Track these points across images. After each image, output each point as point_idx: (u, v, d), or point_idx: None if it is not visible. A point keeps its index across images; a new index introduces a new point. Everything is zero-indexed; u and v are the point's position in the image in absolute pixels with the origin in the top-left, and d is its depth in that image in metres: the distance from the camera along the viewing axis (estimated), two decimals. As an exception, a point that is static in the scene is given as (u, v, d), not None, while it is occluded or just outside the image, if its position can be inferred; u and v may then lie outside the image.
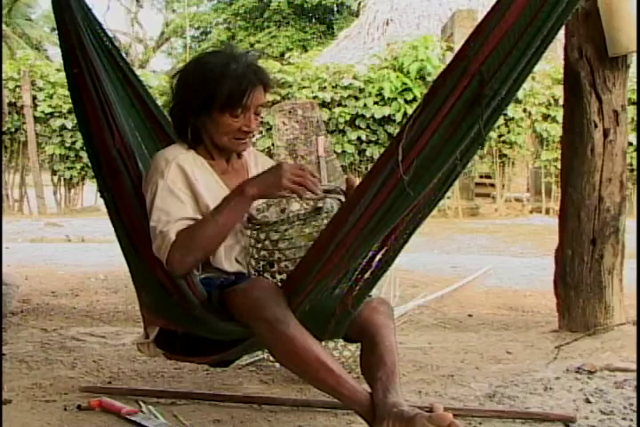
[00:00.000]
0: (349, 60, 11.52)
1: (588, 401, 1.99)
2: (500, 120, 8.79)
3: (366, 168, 9.03)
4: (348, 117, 9.37)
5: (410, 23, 14.35)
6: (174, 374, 2.30)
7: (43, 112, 9.59)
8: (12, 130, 9.66)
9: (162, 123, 2.05)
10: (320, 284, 1.60)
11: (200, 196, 1.76)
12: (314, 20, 23.92)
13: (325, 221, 1.68)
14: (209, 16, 25.86)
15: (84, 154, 9.06)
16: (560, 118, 7.52)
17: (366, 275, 1.65)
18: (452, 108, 1.42)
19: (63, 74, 2.04)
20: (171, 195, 1.72)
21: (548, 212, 9.61)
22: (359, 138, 9.41)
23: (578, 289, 2.80)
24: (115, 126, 1.84)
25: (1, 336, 2.65)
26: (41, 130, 9.72)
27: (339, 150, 9.28)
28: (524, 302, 3.77)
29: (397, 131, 1.49)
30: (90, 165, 2.01)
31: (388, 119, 9.33)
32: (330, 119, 9.29)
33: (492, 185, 10.16)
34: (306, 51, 15.39)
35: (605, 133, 2.75)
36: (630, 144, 7.55)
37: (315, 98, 9.20)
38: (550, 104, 9.52)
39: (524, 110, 9.47)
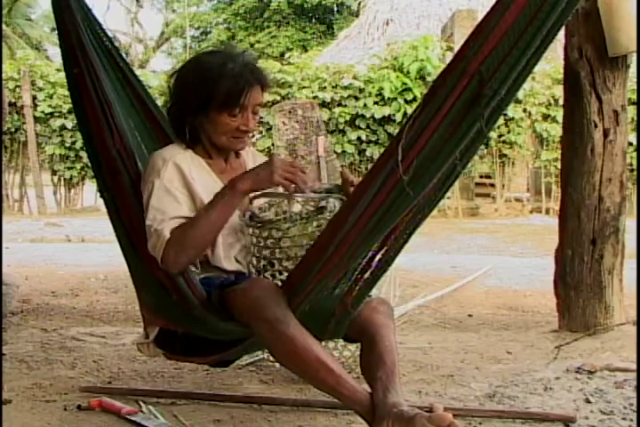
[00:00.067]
0: (349, 60, 11.52)
1: (588, 401, 1.99)
2: (500, 120, 8.79)
3: (366, 168, 9.03)
4: (347, 117, 9.36)
5: (410, 23, 14.35)
6: (174, 374, 2.30)
7: (43, 112, 9.59)
8: (12, 130, 9.65)
9: (161, 123, 2.05)
10: (320, 284, 1.60)
11: (197, 195, 1.76)
12: (314, 20, 23.92)
13: (327, 221, 1.68)
14: (209, 16, 25.86)
15: (83, 154, 9.05)
16: (560, 118, 7.52)
17: (366, 275, 1.65)
18: (451, 108, 1.42)
19: (63, 74, 2.05)
20: (167, 194, 1.72)
21: (548, 212, 9.61)
22: (359, 138, 9.41)
23: (578, 289, 2.81)
24: (114, 126, 1.84)
25: (1, 336, 2.65)
26: (41, 130, 9.72)
27: (339, 150, 9.28)
28: (523, 302, 3.77)
29: (397, 131, 1.49)
30: (90, 164, 2.01)
31: (388, 119, 9.33)
32: (330, 119, 9.29)
33: (492, 185, 10.16)
34: (306, 51, 15.39)
35: (605, 133, 2.75)
36: (630, 144, 7.55)
37: (315, 98, 9.19)
38: (550, 104, 9.52)
39: (524, 110, 9.47)
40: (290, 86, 9.43)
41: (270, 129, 8.96)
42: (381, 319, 1.77)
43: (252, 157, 1.98)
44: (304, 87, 9.46)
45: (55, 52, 22.52)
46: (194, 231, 1.67)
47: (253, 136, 9.22)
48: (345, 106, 9.41)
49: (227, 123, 1.77)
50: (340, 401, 1.62)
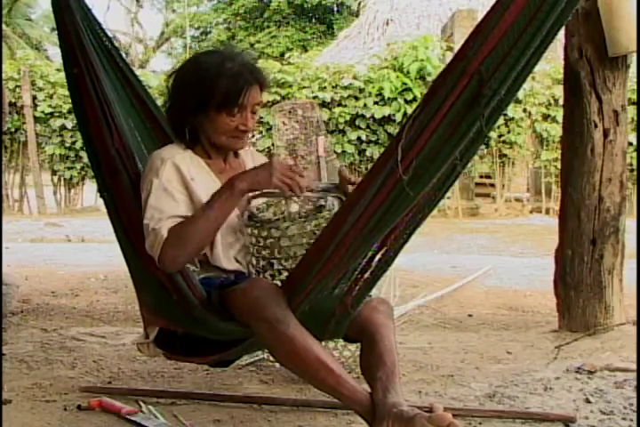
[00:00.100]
0: (349, 60, 11.51)
1: (588, 401, 1.99)
2: (500, 120, 8.79)
3: (366, 168, 9.02)
4: (347, 117, 9.36)
5: (410, 23, 14.35)
6: (174, 374, 2.30)
7: (43, 112, 9.59)
8: (12, 130, 9.65)
9: (161, 123, 2.05)
10: (320, 284, 1.60)
11: (196, 195, 1.76)
12: (314, 20, 23.91)
13: (327, 219, 1.68)
14: (209, 16, 25.86)
15: (83, 154, 9.05)
16: (560, 118, 7.52)
17: (366, 275, 1.66)
18: (451, 108, 1.43)
19: (63, 74, 2.05)
20: (165, 193, 1.72)
21: (548, 212, 9.61)
22: (359, 138, 9.41)
23: (578, 289, 2.80)
24: (114, 126, 1.84)
25: (1, 336, 2.65)
26: (41, 130, 9.71)
27: (339, 150, 9.28)
28: (523, 302, 3.77)
29: (397, 131, 1.49)
30: (90, 164, 2.01)
31: (388, 119, 9.33)
32: (330, 119, 9.29)
33: (492, 185, 10.15)
34: (306, 51, 15.38)
35: (605, 133, 2.75)
36: (630, 144, 7.55)
37: (315, 98, 9.19)
38: (550, 104, 9.52)
39: (524, 110, 9.47)
40: (290, 86, 9.43)
41: (270, 129, 8.96)
42: (381, 319, 1.77)
43: (251, 157, 1.98)
44: (304, 87, 9.46)
45: (55, 52, 22.55)
46: (192, 230, 1.67)
47: (253, 136, 9.22)
48: (345, 106, 9.41)
49: (226, 122, 1.77)
50: (340, 401, 1.62)
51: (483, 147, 8.95)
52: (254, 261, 1.80)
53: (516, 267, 5.00)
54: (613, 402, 1.97)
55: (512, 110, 9.16)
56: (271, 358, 2.23)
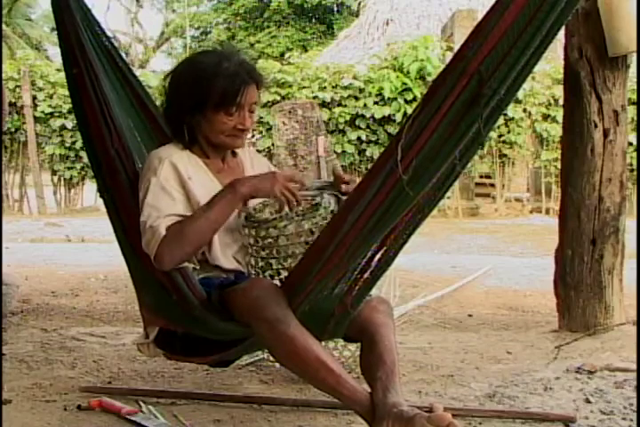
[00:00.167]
0: (349, 60, 11.52)
1: (588, 401, 1.99)
2: (500, 120, 8.79)
3: (366, 168, 9.02)
4: (347, 117, 9.37)
5: (410, 23, 14.35)
6: (174, 374, 2.30)
7: (43, 112, 9.59)
8: (12, 130, 9.66)
9: (161, 123, 2.05)
10: (320, 284, 1.60)
11: (193, 194, 1.76)
12: (314, 20, 23.91)
13: (323, 217, 1.68)
14: (209, 16, 25.86)
15: (83, 154, 9.05)
16: (560, 118, 7.52)
17: (366, 275, 1.66)
18: (450, 108, 1.43)
19: (63, 74, 2.05)
20: (162, 192, 1.72)
21: (548, 212, 9.61)
22: (359, 138, 9.41)
23: (578, 289, 2.80)
24: (113, 127, 1.85)
25: (1, 336, 2.65)
26: (41, 130, 9.72)
27: (339, 150, 9.29)
28: (523, 302, 3.77)
29: (397, 131, 1.49)
30: (89, 164, 2.02)
31: (388, 119, 9.33)
32: (330, 119, 9.29)
33: (492, 185, 10.16)
34: (306, 51, 15.39)
35: (605, 133, 2.75)
36: (630, 144, 7.55)
37: (315, 98, 9.20)
38: (550, 104, 9.52)
39: (524, 110, 9.47)
40: (290, 86, 9.43)
41: (270, 129, 8.97)
42: (381, 318, 1.77)
43: (249, 157, 1.98)
44: (304, 87, 9.46)
45: (55, 52, 22.55)
46: (191, 229, 1.67)
47: (253, 136, 9.22)
48: (345, 106, 9.41)
49: (223, 122, 1.77)
50: (340, 401, 1.62)
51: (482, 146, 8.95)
52: (253, 262, 1.80)
53: (516, 267, 5.00)
54: (613, 402, 1.97)
55: (512, 110, 9.17)
56: (271, 358, 2.23)
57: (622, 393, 2.04)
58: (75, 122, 8.02)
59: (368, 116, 9.36)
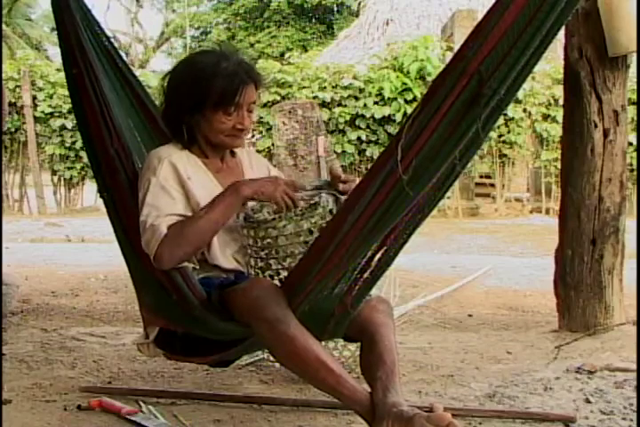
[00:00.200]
0: (349, 60, 11.52)
1: (588, 401, 1.99)
2: (500, 120, 8.79)
3: (366, 168, 9.01)
4: (347, 117, 9.37)
5: (410, 23, 14.35)
6: (174, 374, 2.30)
7: (43, 112, 9.60)
8: (12, 130, 9.66)
9: (160, 123, 2.04)
10: (320, 284, 1.60)
11: (192, 194, 1.76)
12: (314, 20, 23.93)
13: (322, 216, 1.69)
14: (209, 16, 25.87)
15: (83, 154, 9.05)
16: (560, 118, 7.52)
17: (366, 275, 1.65)
18: (450, 108, 1.43)
19: (63, 74, 2.05)
20: (162, 191, 1.72)
21: (548, 212, 9.61)
22: (359, 138, 9.41)
23: (578, 289, 2.80)
24: (113, 127, 1.85)
25: (1, 336, 2.65)
26: (41, 130, 9.72)
27: (339, 150, 9.29)
28: (523, 302, 3.77)
29: (397, 131, 1.49)
30: (89, 164, 2.02)
31: (388, 119, 9.33)
32: (330, 119, 9.29)
33: (492, 185, 10.16)
34: (306, 51, 15.39)
35: (605, 133, 2.74)
36: (630, 144, 7.55)
37: (315, 98, 9.20)
38: (550, 104, 9.52)
39: (524, 110, 9.47)
40: (290, 86, 9.43)
41: (270, 129, 8.97)
42: (381, 318, 1.77)
43: (247, 158, 1.98)
44: (304, 87, 9.46)
45: (55, 52, 22.56)
46: (192, 229, 1.67)
47: (253, 136, 9.22)
48: (345, 106, 9.41)
49: (222, 121, 1.77)
50: (340, 401, 1.62)
51: (482, 146, 8.96)
52: (252, 262, 1.80)
53: (516, 267, 5.00)
54: (613, 402, 1.97)
55: (512, 110, 9.17)
56: (271, 358, 2.23)
57: (622, 393, 2.04)
58: (75, 122, 8.02)
59: (368, 116, 9.35)
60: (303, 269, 1.62)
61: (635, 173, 8.81)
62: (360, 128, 9.42)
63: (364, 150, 9.48)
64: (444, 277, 4.52)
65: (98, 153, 1.89)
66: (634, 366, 2.26)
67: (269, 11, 22.99)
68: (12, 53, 16.02)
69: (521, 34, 1.39)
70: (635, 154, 8.55)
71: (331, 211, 1.69)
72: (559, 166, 3.38)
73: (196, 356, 1.87)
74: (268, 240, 1.73)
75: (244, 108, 1.77)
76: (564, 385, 2.13)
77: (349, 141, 9.41)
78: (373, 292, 1.78)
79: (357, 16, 16.89)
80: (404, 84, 9.22)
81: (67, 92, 3.35)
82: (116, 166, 1.83)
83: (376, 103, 9.34)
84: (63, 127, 9.61)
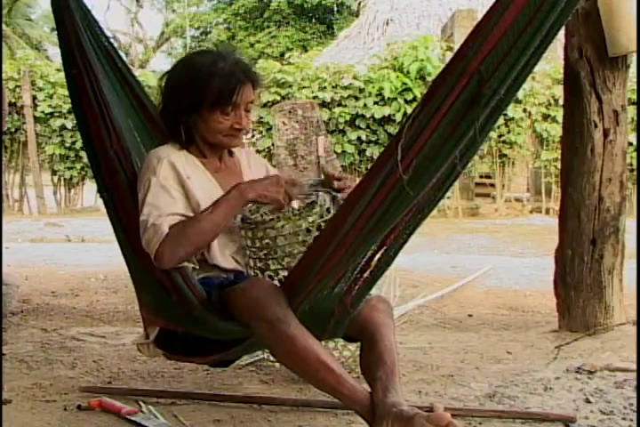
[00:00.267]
0: (349, 60, 11.52)
1: (588, 401, 1.99)
2: (500, 120, 8.79)
3: (366, 168, 9.01)
4: (347, 117, 9.37)
5: (410, 23, 14.35)
6: (174, 374, 2.30)
7: (43, 112, 9.60)
8: (12, 130, 9.66)
9: (160, 123, 2.05)
10: (320, 284, 1.60)
11: (192, 194, 1.76)
12: (314, 20, 23.93)
13: (319, 215, 1.69)
14: (209, 16, 25.88)
15: (83, 154, 9.05)
16: (560, 118, 7.52)
17: (366, 274, 1.66)
18: (450, 108, 1.43)
19: (63, 74, 2.05)
20: (162, 191, 1.72)
21: (548, 212, 9.61)
22: (359, 138, 9.40)
23: (578, 289, 2.80)
24: (112, 127, 1.85)
25: (1, 336, 2.65)
26: (41, 130, 9.72)
27: (339, 150, 9.29)
28: (523, 302, 3.77)
29: (397, 131, 1.49)
30: (89, 165, 2.02)
31: (388, 119, 9.33)
32: (330, 119, 9.29)
33: (492, 185, 10.16)
34: (306, 51, 15.39)
35: (605, 133, 2.74)
36: (630, 144, 7.55)
37: (315, 98, 9.20)
38: (550, 104, 9.52)
39: (524, 110, 9.47)
40: (290, 86, 9.43)
41: (270, 129, 8.97)
42: (381, 318, 1.77)
43: (246, 157, 1.98)
44: (304, 87, 9.45)
45: (55, 52, 22.55)
46: (194, 230, 1.67)
47: (253, 136, 9.22)
48: (345, 106, 9.41)
49: (220, 121, 1.77)
50: (340, 401, 1.62)
51: (482, 146, 8.96)
52: (252, 263, 1.80)
53: (516, 267, 5.00)
54: (613, 402, 1.97)
55: (512, 110, 9.16)
56: (271, 358, 2.24)
57: (622, 393, 2.04)
58: (75, 122, 8.01)
59: (368, 116, 9.35)
60: (303, 269, 1.62)
61: (635, 173, 8.81)
62: (360, 128, 9.41)
63: (364, 150, 9.48)
64: (444, 277, 4.52)
65: (97, 153, 1.88)
66: (634, 366, 2.26)
67: (269, 11, 23.00)
68: (12, 53, 16.02)
69: (521, 34, 1.39)
70: (635, 154, 8.55)
71: (328, 209, 1.69)
72: (559, 166, 3.38)
73: (196, 356, 1.87)
74: (267, 241, 1.73)
75: (241, 108, 1.78)
76: (564, 385, 2.13)
77: (349, 141, 9.41)
78: (373, 292, 1.78)
79: (357, 16, 16.89)
80: (404, 84, 9.22)
81: (67, 92, 3.35)
82: (115, 167, 1.83)
83: (376, 103, 9.34)
84: (63, 127, 9.61)
